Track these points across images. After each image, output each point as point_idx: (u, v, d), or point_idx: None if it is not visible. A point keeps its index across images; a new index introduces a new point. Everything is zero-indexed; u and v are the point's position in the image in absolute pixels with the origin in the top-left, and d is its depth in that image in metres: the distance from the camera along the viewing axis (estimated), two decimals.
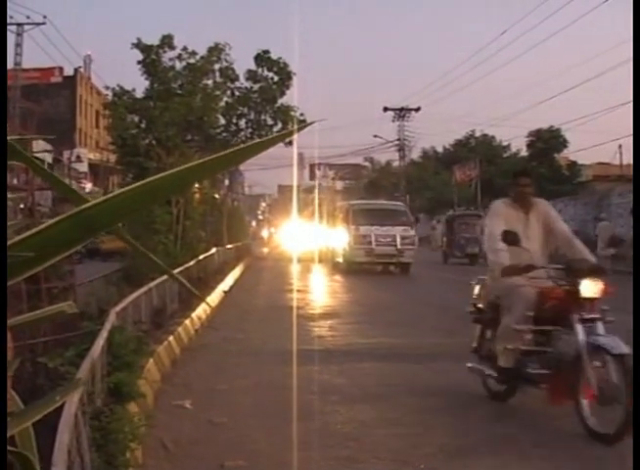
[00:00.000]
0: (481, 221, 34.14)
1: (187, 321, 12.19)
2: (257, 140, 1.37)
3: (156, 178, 1.27)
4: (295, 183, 60.77)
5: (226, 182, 38.41)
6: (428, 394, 8.36)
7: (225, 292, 18.87)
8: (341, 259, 30.95)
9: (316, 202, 45.09)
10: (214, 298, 16.90)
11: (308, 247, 37.40)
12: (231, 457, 6.07)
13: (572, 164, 55.71)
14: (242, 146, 1.33)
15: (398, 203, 34.55)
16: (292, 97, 34.48)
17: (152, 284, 10.91)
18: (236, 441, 6.54)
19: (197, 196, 22.54)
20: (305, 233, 39.39)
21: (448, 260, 37.44)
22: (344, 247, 30.06)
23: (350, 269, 29.15)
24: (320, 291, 22.77)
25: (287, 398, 8.05)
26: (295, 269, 31.60)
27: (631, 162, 49.92)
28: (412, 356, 10.64)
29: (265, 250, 54.49)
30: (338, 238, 31.75)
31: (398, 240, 28.88)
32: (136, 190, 1.26)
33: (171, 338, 10.43)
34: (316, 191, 55.17)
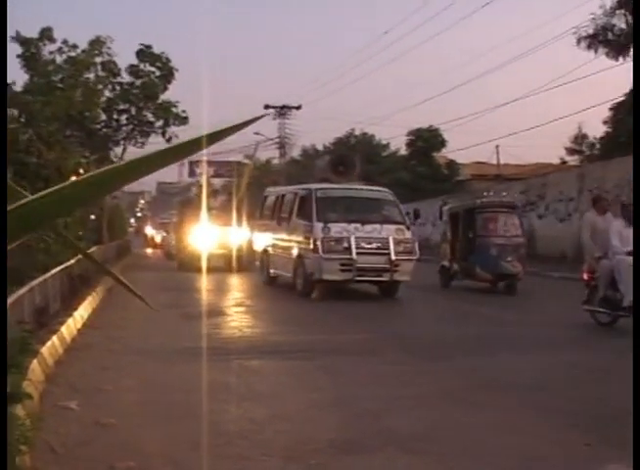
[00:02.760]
0: (517, 215, 22.58)
1: (70, 320, 11.98)
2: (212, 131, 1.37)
3: (78, 180, 1.29)
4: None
5: None
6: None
7: None
8: (289, 274, 20.18)
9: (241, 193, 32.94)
10: (95, 297, 16.61)
11: (210, 251, 27.01)
12: (121, 458, 6.01)
13: (451, 163, 56.96)
14: (193, 138, 1.35)
15: (383, 189, 21.69)
16: (173, 93, 34.30)
17: (34, 283, 10.68)
18: (125, 441, 6.48)
19: None
20: (203, 233, 27.84)
21: (451, 283, 22.15)
22: (302, 254, 19.26)
23: (308, 290, 19.03)
24: None
25: (175, 397, 8.07)
26: (200, 292, 20.31)
27: (508, 162, 51.63)
28: None
29: (149, 251, 52.79)
30: (276, 240, 21.58)
31: (392, 246, 18.55)
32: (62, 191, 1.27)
33: (55, 337, 10.23)
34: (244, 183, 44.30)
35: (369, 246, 18.56)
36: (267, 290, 21.38)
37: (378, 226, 18.89)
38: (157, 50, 32.58)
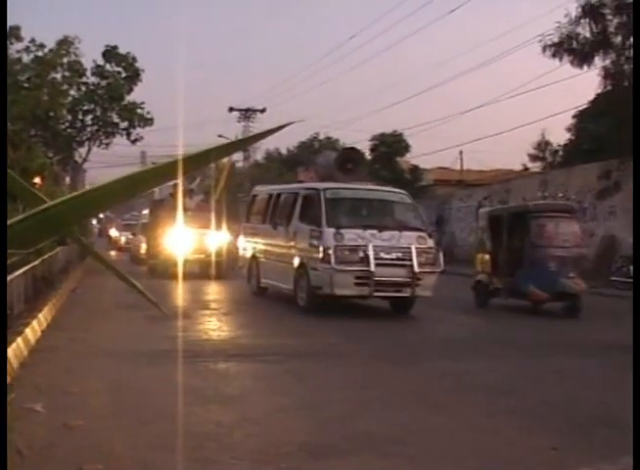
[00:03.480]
0: (577, 221, 18.87)
1: (34, 322, 11.84)
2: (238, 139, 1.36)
3: (115, 180, 1.28)
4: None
5: (67, 179, 37.43)
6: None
7: None
8: (287, 286, 17.34)
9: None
10: (59, 298, 16.44)
11: (186, 256, 24.07)
12: (89, 461, 5.94)
13: (415, 169, 57.18)
14: (226, 142, 1.34)
15: (399, 190, 18.68)
16: (139, 94, 34.21)
17: None
18: (93, 444, 6.41)
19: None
20: (178, 236, 24.42)
21: (489, 301, 18.24)
22: (306, 264, 16.36)
23: (313, 306, 16.16)
24: None
25: (142, 399, 8.01)
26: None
27: (470, 167, 52.00)
28: None
29: (113, 253, 51.58)
30: (269, 246, 18.80)
31: (414, 257, 15.83)
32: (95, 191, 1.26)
33: (19, 339, 10.10)
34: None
35: (388, 256, 15.83)
36: (258, 301, 18.91)
37: (397, 233, 16.16)
38: (122, 50, 32.55)
